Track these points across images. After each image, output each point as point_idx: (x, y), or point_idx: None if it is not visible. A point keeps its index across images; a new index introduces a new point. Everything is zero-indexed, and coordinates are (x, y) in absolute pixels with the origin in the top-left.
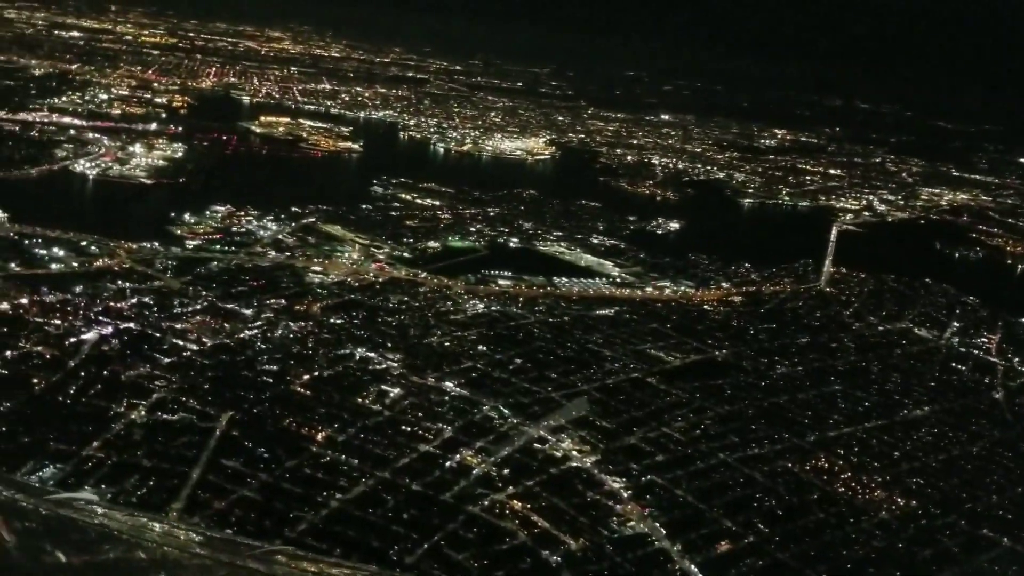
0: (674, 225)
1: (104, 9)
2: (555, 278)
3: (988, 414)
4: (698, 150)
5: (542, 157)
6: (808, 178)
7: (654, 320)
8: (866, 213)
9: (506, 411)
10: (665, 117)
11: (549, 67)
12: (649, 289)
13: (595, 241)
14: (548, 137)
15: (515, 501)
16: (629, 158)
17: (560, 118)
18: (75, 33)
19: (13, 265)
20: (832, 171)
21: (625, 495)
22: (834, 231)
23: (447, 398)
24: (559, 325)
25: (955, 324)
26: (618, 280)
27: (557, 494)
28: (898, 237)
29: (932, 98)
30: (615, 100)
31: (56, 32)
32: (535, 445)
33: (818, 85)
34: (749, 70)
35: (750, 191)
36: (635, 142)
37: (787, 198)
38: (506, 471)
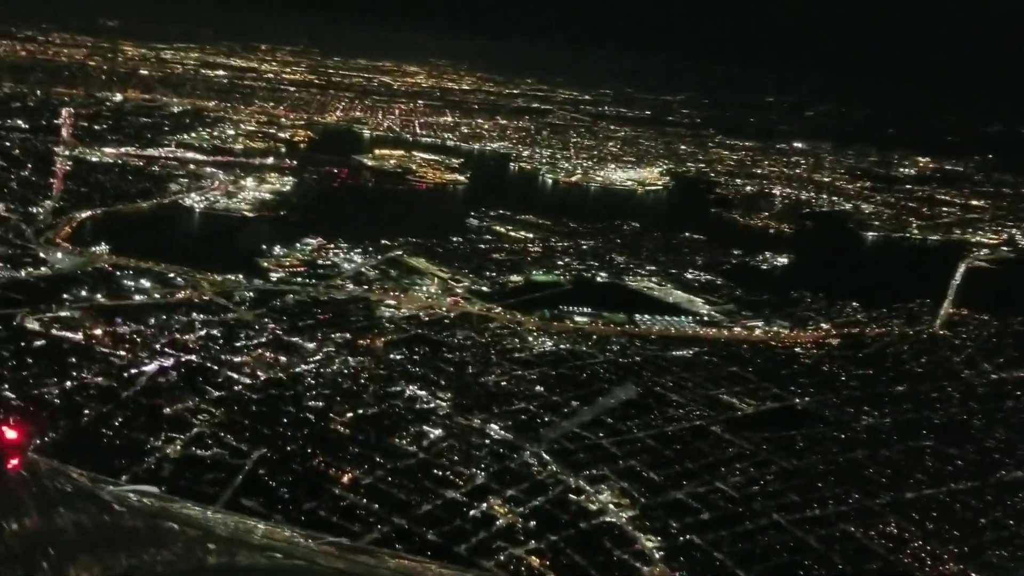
0: (782, 260)
1: (254, 48)
2: (637, 315)
3: None
4: (827, 179)
5: (654, 188)
6: (945, 209)
7: (734, 363)
8: (1004, 248)
9: (547, 457)
10: (798, 145)
11: (683, 95)
12: (737, 329)
13: (689, 276)
14: (664, 167)
15: (534, 557)
16: (748, 188)
17: (683, 147)
18: (220, 72)
19: (100, 296)
20: (974, 202)
21: (656, 556)
22: (962, 268)
23: (488, 441)
24: (628, 366)
25: None
26: (705, 319)
27: (581, 551)
28: None
29: None
30: (747, 128)
31: (203, 71)
32: (570, 496)
33: (980, 112)
34: (906, 97)
35: (876, 224)
36: (759, 171)
37: (916, 231)
38: (532, 523)
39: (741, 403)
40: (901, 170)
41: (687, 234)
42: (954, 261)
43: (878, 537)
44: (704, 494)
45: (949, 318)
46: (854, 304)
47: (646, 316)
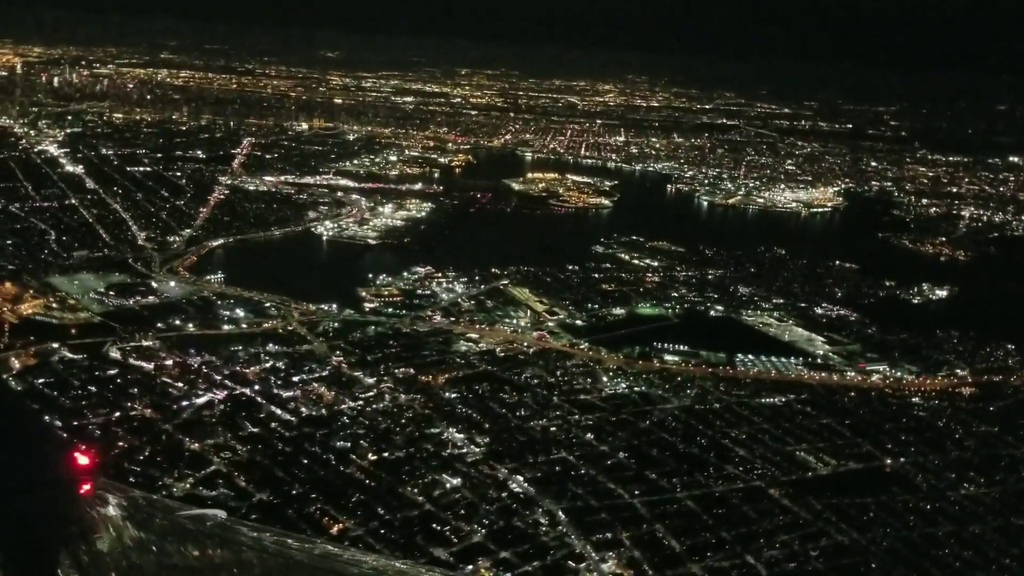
0: (940, 292)
1: (453, 73)
2: (739, 356)
3: None
4: None
5: (822, 209)
6: None
7: (830, 414)
8: None
9: (562, 517)
10: (1013, 159)
11: (898, 106)
12: (851, 374)
13: (819, 311)
14: (843, 186)
15: None
16: (932, 210)
17: (873, 163)
18: (408, 98)
19: (191, 326)
20: None
21: None
22: None
23: (504, 495)
24: (702, 414)
25: None
26: (819, 361)
27: None
28: None
29: None
30: (959, 140)
31: (394, 98)
32: (569, 563)
33: None
34: None
35: None
36: (953, 190)
37: None
38: None
39: (818, 462)
40: None
41: (837, 262)
42: None
43: None
44: (726, 569)
45: None
46: (1009, 346)
47: (748, 356)
